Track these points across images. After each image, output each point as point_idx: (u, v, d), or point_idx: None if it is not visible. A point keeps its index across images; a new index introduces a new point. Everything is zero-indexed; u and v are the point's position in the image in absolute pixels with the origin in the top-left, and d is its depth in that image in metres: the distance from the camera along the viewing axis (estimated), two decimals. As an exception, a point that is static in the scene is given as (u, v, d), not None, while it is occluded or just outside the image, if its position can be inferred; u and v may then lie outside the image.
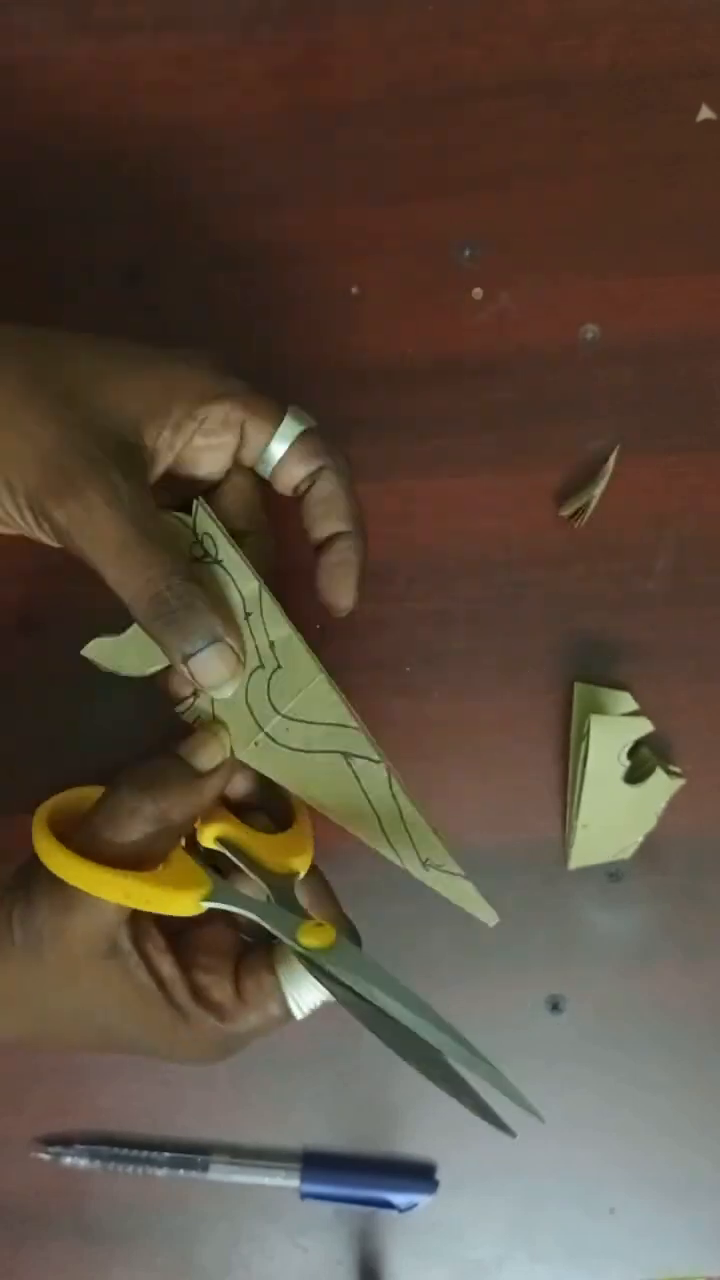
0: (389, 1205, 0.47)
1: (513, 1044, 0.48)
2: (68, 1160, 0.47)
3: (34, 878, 0.38)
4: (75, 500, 0.37)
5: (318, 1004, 0.39)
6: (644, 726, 0.47)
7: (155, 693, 0.46)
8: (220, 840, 0.40)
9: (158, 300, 0.49)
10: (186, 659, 0.39)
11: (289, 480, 0.41)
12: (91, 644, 0.42)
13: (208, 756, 0.40)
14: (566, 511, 0.49)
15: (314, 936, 0.38)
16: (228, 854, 0.40)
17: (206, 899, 0.38)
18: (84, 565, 0.39)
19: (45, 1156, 0.47)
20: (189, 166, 0.50)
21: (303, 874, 0.41)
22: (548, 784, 0.49)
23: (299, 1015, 0.40)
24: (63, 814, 0.39)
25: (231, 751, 0.40)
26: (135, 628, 0.41)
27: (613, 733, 0.46)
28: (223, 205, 0.50)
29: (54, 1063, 0.48)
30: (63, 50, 0.50)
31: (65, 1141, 0.48)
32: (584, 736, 0.46)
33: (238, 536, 0.41)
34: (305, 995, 0.39)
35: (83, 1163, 0.47)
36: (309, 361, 0.49)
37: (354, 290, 0.50)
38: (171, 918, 0.38)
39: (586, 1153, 0.48)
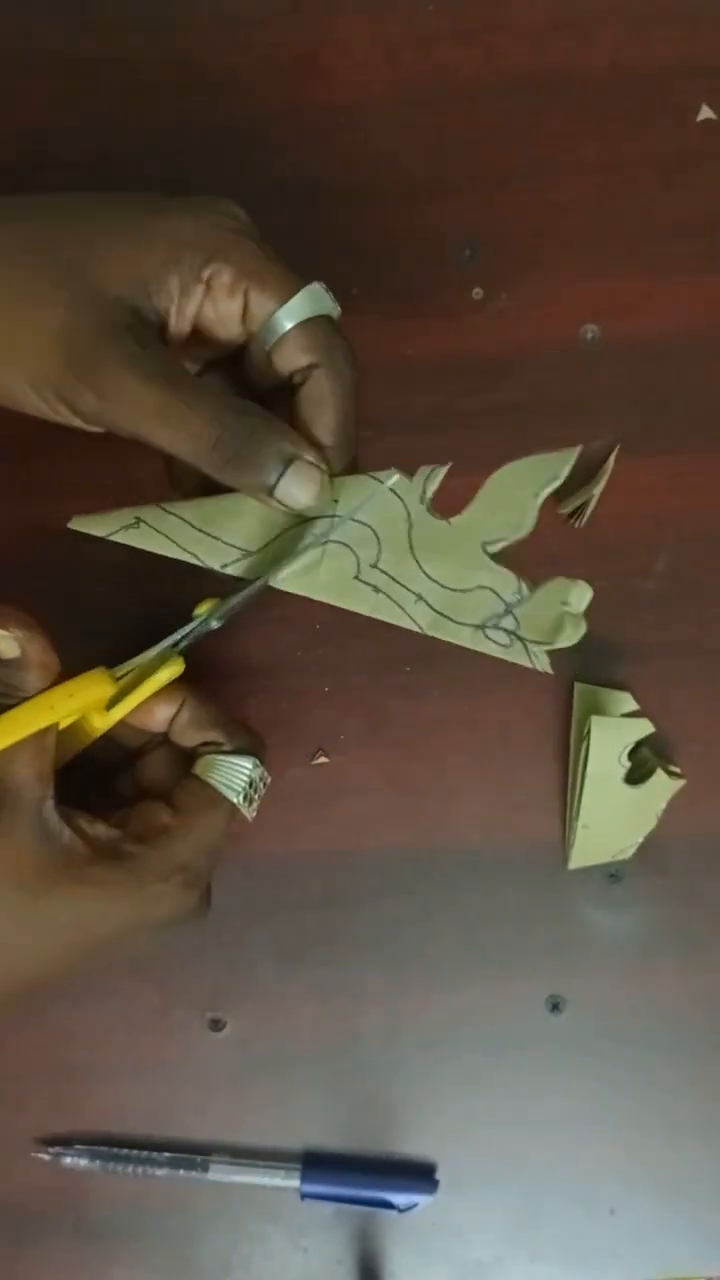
0: (389, 1205, 0.47)
1: (513, 1044, 0.48)
2: (68, 1160, 0.47)
3: None
4: (101, 378, 0.36)
5: (248, 781, 0.40)
6: (644, 728, 0.47)
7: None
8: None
9: (158, 300, 0.49)
10: (271, 491, 0.38)
11: (282, 365, 0.39)
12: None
13: (6, 644, 0.37)
14: (565, 509, 0.49)
15: (206, 606, 0.40)
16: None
17: (111, 668, 0.38)
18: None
19: (45, 1156, 0.47)
20: (189, 167, 0.50)
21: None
22: (548, 784, 0.49)
23: (235, 798, 0.40)
24: None
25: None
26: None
27: (613, 734, 0.46)
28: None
29: (54, 1063, 0.48)
30: (63, 50, 0.50)
31: (65, 1141, 0.48)
32: (584, 738, 0.46)
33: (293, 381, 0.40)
34: (232, 776, 0.40)
35: (83, 1163, 0.47)
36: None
37: (354, 290, 0.50)
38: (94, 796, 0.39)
39: (586, 1153, 0.48)
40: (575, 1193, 0.48)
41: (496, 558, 0.42)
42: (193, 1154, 0.47)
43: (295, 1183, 0.47)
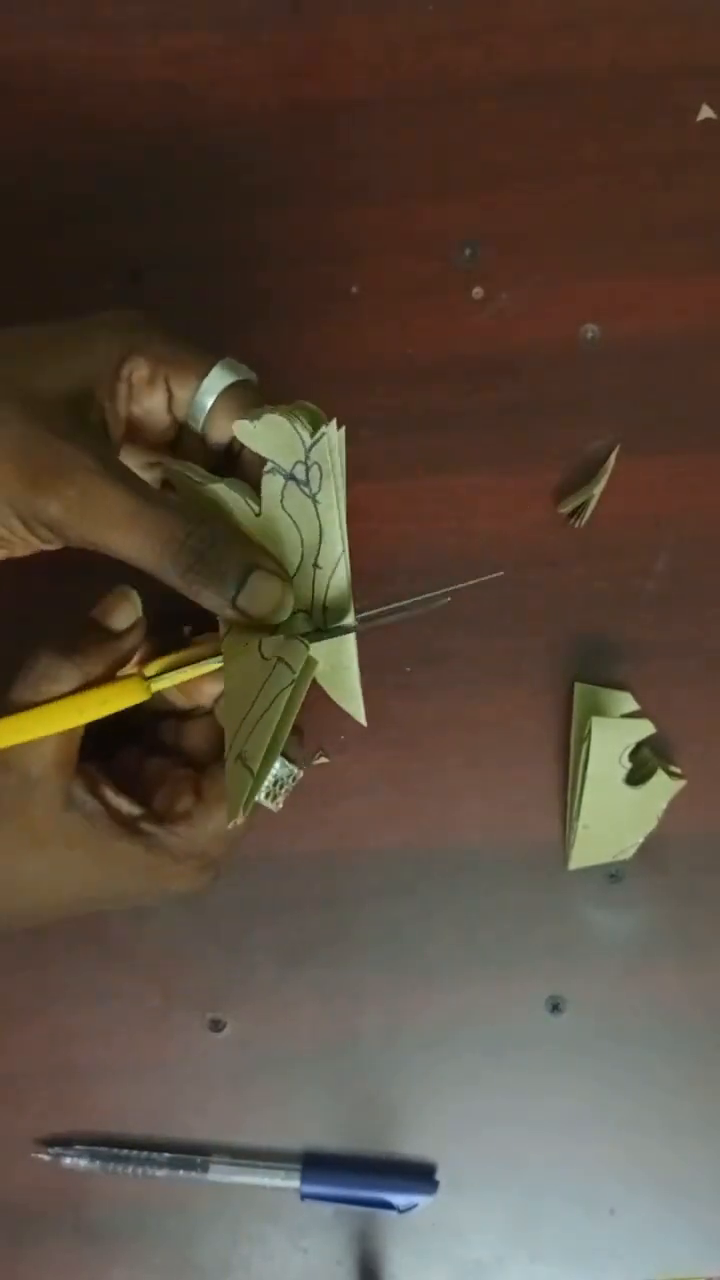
0: (389, 1205, 0.47)
1: (513, 1044, 0.48)
2: (68, 1160, 0.47)
3: None
4: (66, 486, 0.36)
5: (284, 785, 0.40)
6: (645, 728, 0.47)
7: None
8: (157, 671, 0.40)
9: (158, 300, 0.49)
10: (233, 600, 0.37)
11: (218, 437, 0.40)
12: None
13: (122, 617, 0.39)
14: (565, 509, 0.49)
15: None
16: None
17: (149, 677, 0.38)
18: (90, 554, 0.38)
19: (45, 1156, 0.47)
20: (189, 166, 0.50)
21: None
22: (548, 784, 0.49)
23: (270, 804, 0.40)
24: None
25: (142, 609, 0.40)
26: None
27: (614, 735, 0.46)
28: (223, 205, 0.50)
29: (54, 1063, 0.48)
30: (63, 50, 0.50)
31: (65, 1141, 0.47)
32: (585, 738, 0.46)
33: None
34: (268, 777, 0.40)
35: (83, 1163, 0.47)
36: (309, 361, 0.49)
37: (354, 290, 0.50)
38: (118, 764, 0.39)
39: (586, 1153, 0.48)
40: (575, 1193, 0.48)
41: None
42: (193, 1154, 0.47)
43: (295, 1183, 0.47)
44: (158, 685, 0.39)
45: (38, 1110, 0.48)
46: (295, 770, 0.42)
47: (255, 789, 0.38)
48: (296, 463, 0.38)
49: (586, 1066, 0.48)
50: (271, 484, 0.38)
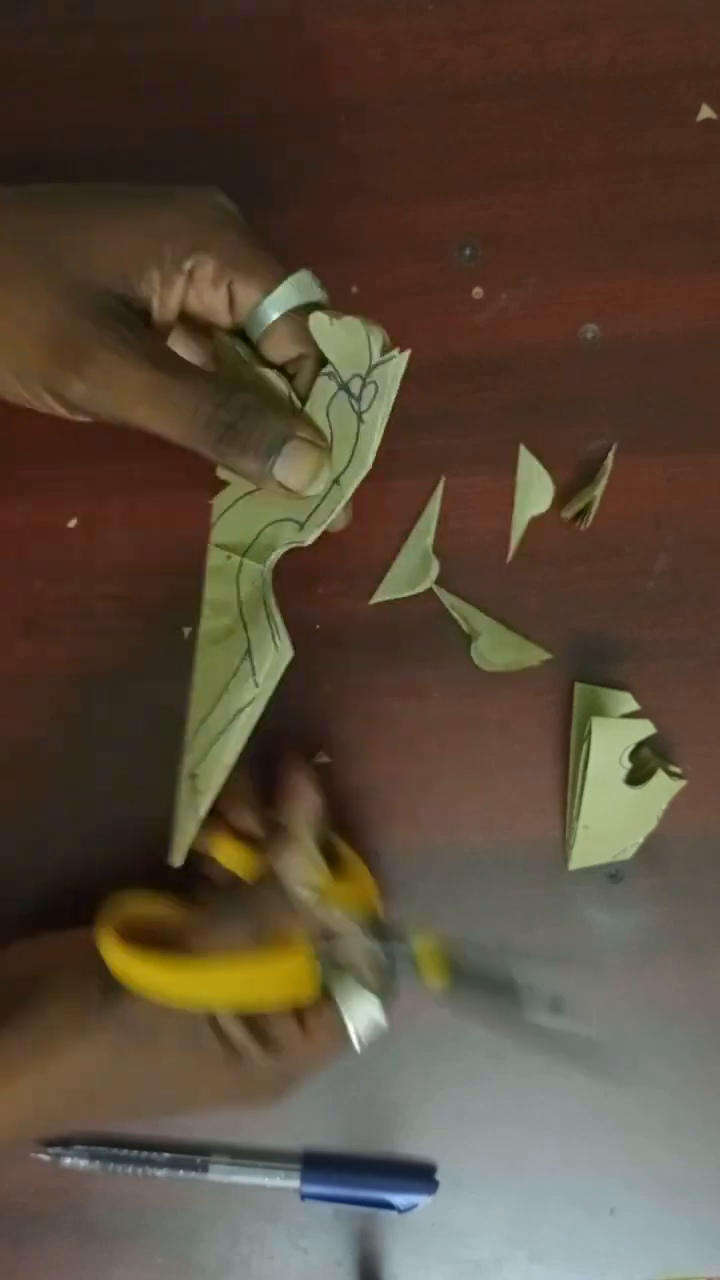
0: (389, 1205, 0.47)
1: (513, 1044, 0.48)
2: (68, 1160, 0.47)
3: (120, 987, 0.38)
4: (89, 364, 0.36)
5: (376, 1034, 0.40)
6: (645, 729, 0.47)
7: (156, 701, 0.46)
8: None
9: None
10: (268, 470, 0.37)
11: (273, 355, 0.39)
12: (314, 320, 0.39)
13: (299, 878, 0.40)
14: (569, 514, 0.49)
15: (430, 961, 0.39)
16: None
17: (319, 973, 0.39)
18: (130, 434, 0.37)
19: (45, 1156, 0.47)
20: (189, 166, 0.50)
21: (376, 903, 0.41)
22: (548, 784, 0.49)
23: (359, 1048, 0.40)
24: (128, 925, 0.39)
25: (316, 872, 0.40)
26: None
27: (614, 735, 0.46)
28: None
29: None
30: (63, 50, 0.50)
31: (65, 1141, 0.47)
32: (585, 739, 0.46)
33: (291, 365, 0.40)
34: (365, 1026, 0.40)
35: (83, 1163, 0.47)
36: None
37: (354, 290, 0.50)
38: None
39: (586, 1153, 0.48)
40: (575, 1193, 0.48)
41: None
42: (193, 1154, 0.47)
43: (295, 1183, 0.47)
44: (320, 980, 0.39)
45: (38, 1110, 0.48)
46: (388, 1020, 0.41)
47: (195, 825, 0.39)
48: (355, 375, 0.38)
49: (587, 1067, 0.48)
50: (324, 388, 0.38)
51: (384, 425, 0.38)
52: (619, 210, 0.50)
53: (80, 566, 0.49)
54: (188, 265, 0.38)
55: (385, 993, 0.40)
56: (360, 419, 0.38)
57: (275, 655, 0.40)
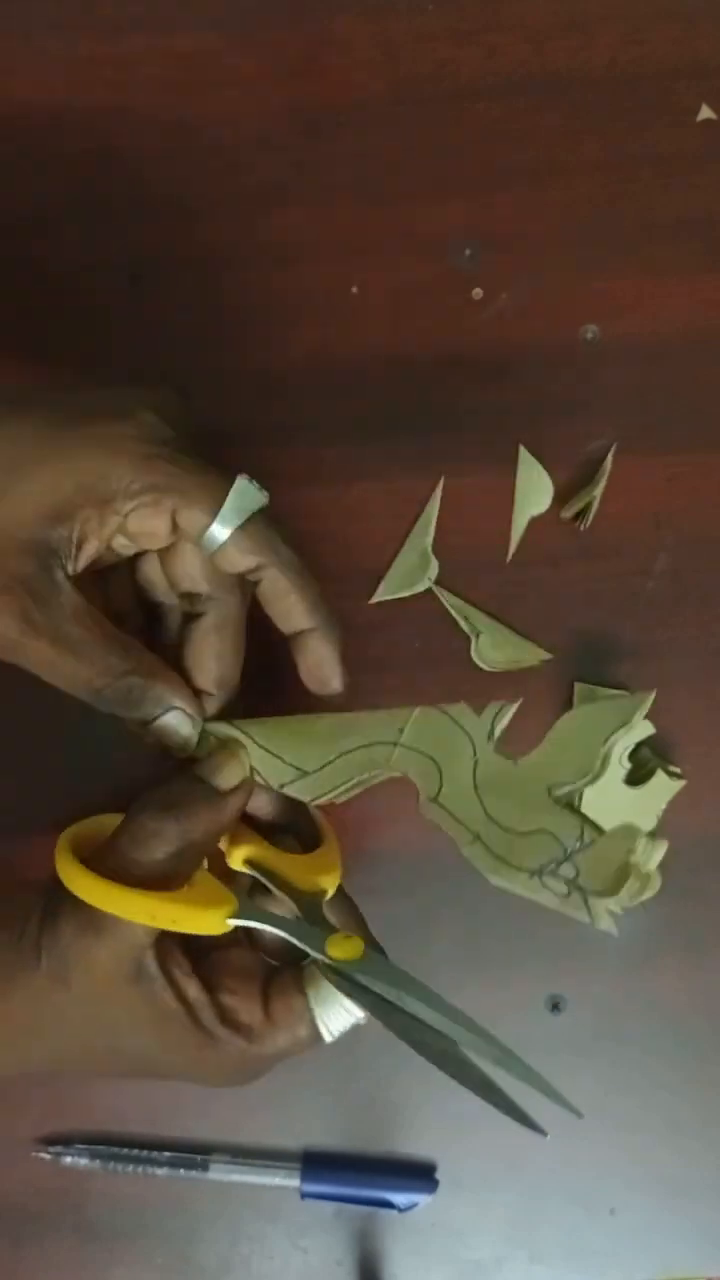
0: (389, 1205, 0.47)
1: (513, 1044, 0.48)
2: (68, 1160, 0.47)
3: (59, 903, 0.37)
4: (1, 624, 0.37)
5: (347, 1026, 0.39)
6: (645, 729, 0.47)
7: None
8: (248, 862, 0.40)
9: (158, 300, 0.49)
10: (146, 728, 0.40)
11: (232, 569, 0.39)
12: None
13: (228, 776, 0.39)
14: (569, 514, 0.49)
15: (342, 949, 0.38)
16: (256, 875, 0.40)
17: (233, 916, 0.38)
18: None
19: (45, 1156, 0.47)
20: (189, 166, 0.50)
21: (331, 892, 0.40)
22: (548, 784, 0.49)
23: (328, 1038, 0.39)
24: (85, 839, 0.39)
25: (251, 770, 0.40)
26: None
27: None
28: (223, 205, 0.50)
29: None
30: (63, 50, 0.50)
31: (65, 1141, 0.48)
32: (584, 737, 0.46)
33: (195, 600, 0.41)
34: (335, 1017, 0.39)
35: (83, 1163, 0.47)
36: (309, 361, 0.49)
37: (354, 290, 0.50)
38: (197, 939, 0.38)
39: (586, 1153, 0.48)
40: (575, 1193, 0.48)
41: (559, 801, 0.39)
42: (193, 1154, 0.47)
43: (295, 1182, 0.47)
44: (235, 922, 0.38)
45: (38, 1110, 0.48)
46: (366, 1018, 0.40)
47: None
48: (553, 861, 0.38)
49: (586, 1066, 0.48)
50: (565, 827, 0.38)
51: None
52: (619, 210, 0.50)
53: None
54: (127, 507, 0.37)
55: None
56: (535, 875, 0.38)
57: (306, 798, 0.41)
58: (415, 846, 0.48)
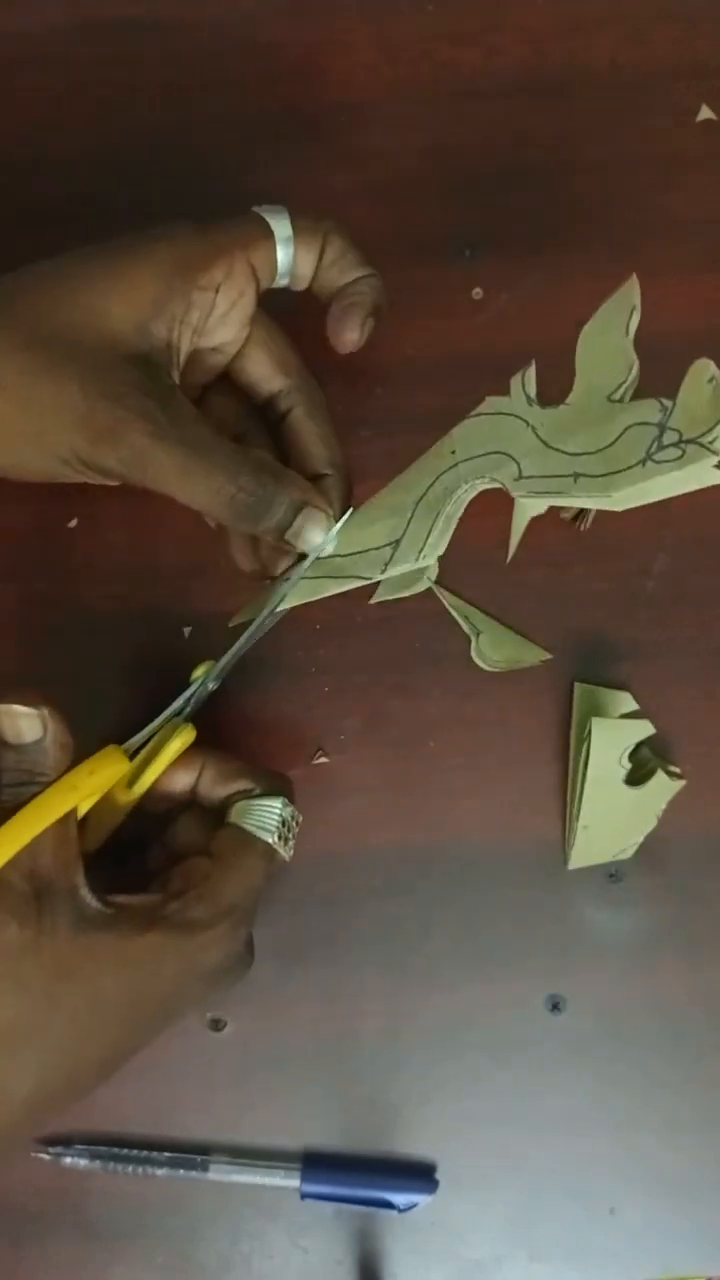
0: (389, 1205, 0.47)
1: (513, 1044, 0.48)
2: (68, 1160, 0.47)
3: None
4: (121, 443, 0.38)
5: (286, 826, 0.41)
6: (645, 729, 0.47)
7: (158, 701, 0.46)
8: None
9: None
10: (281, 536, 0.41)
11: (308, 269, 0.42)
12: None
13: (28, 724, 0.37)
14: (568, 514, 0.49)
15: (204, 668, 0.42)
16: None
17: (122, 745, 0.39)
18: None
19: (45, 1156, 0.47)
20: (189, 167, 0.50)
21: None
22: (548, 784, 0.49)
23: (271, 839, 0.40)
24: None
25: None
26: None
27: (614, 735, 0.46)
28: (223, 205, 0.50)
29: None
30: (63, 50, 0.50)
31: (65, 1141, 0.48)
32: (585, 739, 0.46)
33: (270, 400, 0.43)
34: (266, 819, 0.40)
35: (83, 1163, 0.47)
36: (309, 361, 0.49)
37: (354, 290, 0.50)
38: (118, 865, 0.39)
39: (586, 1153, 0.48)
40: (575, 1192, 0.48)
41: (624, 399, 0.41)
42: (193, 1154, 0.47)
43: (295, 1182, 0.47)
44: (134, 748, 0.39)
45: (38, 1110, 0.48)
46: (296, 810, 0.42)
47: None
48: (677, 429, 0.39)
49: (586, 1066, 0.48)
50: (647, 410, 0.39)
51: (655, 494, 0.39)
52: (619, 210, 0.50)
53: (80, 566, 0.49)
54: (210, 281, 0.40)
55: (277, 788, 0.42)
56: (645, 460, 0.39)
57: (413, 563, 0.43)
58: (415, 846, 0.48)
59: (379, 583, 0.49)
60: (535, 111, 0.50)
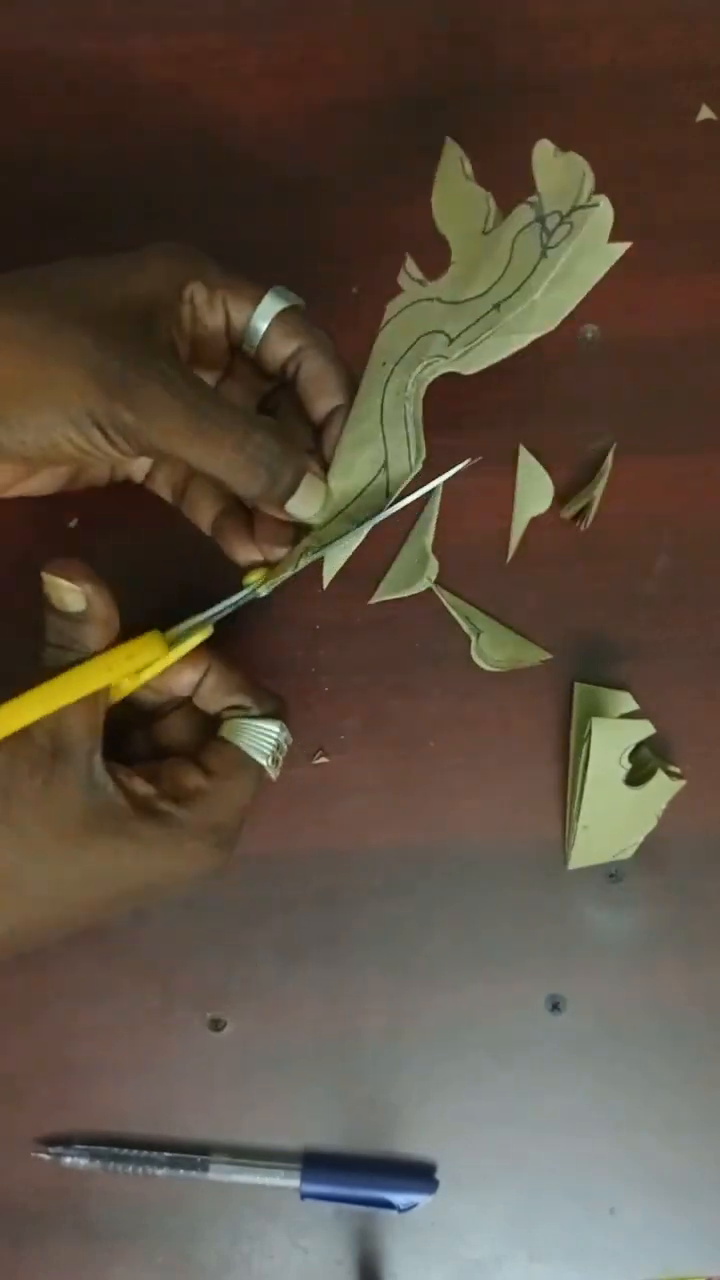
0: (389, 1205, 0.47)
1: (513, 1044, 0.48)
2: (68, 1160, 0.47)
3: None
4: (136, 395, 0.38)
5: (279, 747, 0.42)
6: (645, 729, 0.47)
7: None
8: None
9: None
10: (283, 505, 0.41)
11: (273, 358, 0.42)
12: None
13: (73, 597, 0.40)
14: (568, 514, 0.49)
15: (258, 575, 0.42)
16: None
17: (167, 633, 0.40)
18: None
19: (45, 1156, 0.47)
20: (189, 166, 0.50)
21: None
22: (548, 784, 0.49)
23: (264, 761, 0.41)
24: None
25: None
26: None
27: (614, 736, 0.46)
28: (223, 205, 0.50)
29: (54, 1062, 0.48)
30: (63, 50, 0.50)
31: (65, 1141, 0.48)
32: (585, 739, 0.46)
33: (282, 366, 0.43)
34: (262, 741, 0.41)
35: (83, 1163, 0.47)
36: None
37: (354, 290, 0.50)
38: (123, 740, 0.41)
39: (586, 1153, 0.48)
40: (575, 1192, 0.48)
41: (494, 226, 0.41)
42: (193, 1154, 0.47)
43: (295, 1182, 0.47)
44: (176, 648, 0.40)
45: (38, 1109, 0.48)
46: (289, 734, 0.43)
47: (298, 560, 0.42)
48: (555, 211, 0.40)
49: (586, 1066, 0.48)
50: (521, 216, 0.40)
51: (563, 268, 0.39)
52: (619, 210, 0.50)
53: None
54: (187, 294, 0.41)
55: (273, 710, 0.42)
56: (544, 253, 0.39)
57: (410, 471, 0.42)
58: (415, 846, 0.48)
59: (379, 583, 0.49)
60: (535, 111, 0.50)
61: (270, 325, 0.42)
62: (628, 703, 0.48)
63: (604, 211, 0.39)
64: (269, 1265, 0.48)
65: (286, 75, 0.50)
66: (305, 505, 0.41)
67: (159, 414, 0.38)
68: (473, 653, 0.48)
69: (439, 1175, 0.48)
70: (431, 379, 0.42)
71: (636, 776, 0.47)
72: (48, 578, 0.40)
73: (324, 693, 0.49)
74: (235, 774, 0.41)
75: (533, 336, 0.41)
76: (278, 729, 0.42)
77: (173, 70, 0.50)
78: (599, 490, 0.48)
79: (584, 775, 0.46)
